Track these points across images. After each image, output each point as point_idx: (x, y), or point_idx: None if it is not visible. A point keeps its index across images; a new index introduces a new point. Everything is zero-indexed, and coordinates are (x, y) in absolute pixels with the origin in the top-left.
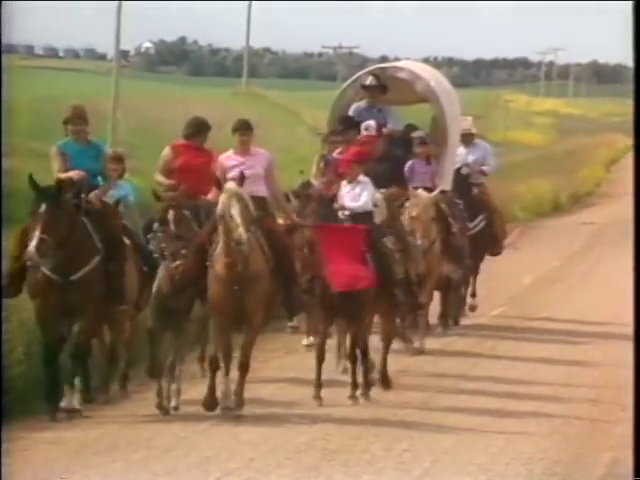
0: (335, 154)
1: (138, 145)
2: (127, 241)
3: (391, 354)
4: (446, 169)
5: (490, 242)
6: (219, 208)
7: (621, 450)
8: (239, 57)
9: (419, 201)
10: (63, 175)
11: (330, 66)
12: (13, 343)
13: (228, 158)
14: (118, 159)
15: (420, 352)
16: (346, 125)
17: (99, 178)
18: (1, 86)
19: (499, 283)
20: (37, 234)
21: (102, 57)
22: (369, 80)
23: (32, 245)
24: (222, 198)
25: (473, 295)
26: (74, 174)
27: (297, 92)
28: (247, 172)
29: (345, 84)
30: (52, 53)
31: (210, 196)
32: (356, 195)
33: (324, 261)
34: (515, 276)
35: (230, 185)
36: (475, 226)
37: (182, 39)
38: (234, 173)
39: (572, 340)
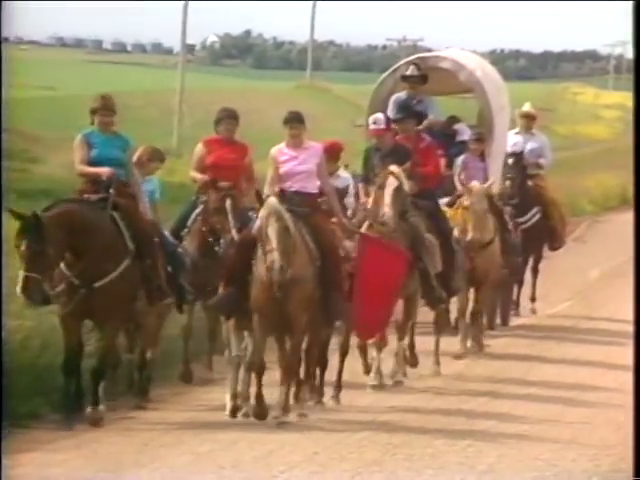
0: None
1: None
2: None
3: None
4: (491, 165)
5: (547, 236)
6: (257, 223)
7: None
8: (303, 50)
9: (472, 192)
10: (89, 170)
11: (394, 59)
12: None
13: (280, 152)
14: (157, 157)
15: (481, 350)
16: (402, 114)
17: (123, 171)
18: (1, 78)
19: (566, 277)
20: (21, 272)
21: (169, 51)
22: (410, 70)
23: (18, 286)
24: (262, 213)
25: (533, 299)
26: (104, 172)
27: (361, 85)
28: (299, 167)
29: (384, 74)
30: (120, 48)
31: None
32: None
33: (356, 283)
34: (582, 270)
35: (271, 201)
36: (528, 220)
37: (247, 32)
38: (288, 168)
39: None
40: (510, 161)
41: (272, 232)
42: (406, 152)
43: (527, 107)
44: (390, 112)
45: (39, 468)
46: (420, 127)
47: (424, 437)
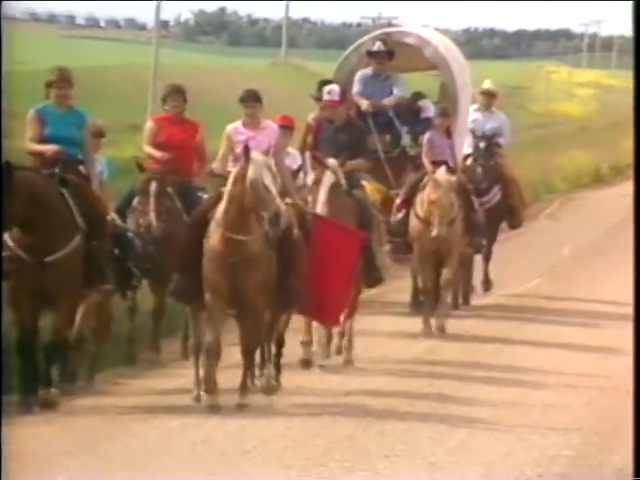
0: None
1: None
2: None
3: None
4: (456, 141)
5: (507, 214)
6: (249, 178)
7: None
8: (278, 27)
9: (437, 184)
10: (36, 148)
11: None
12: None
13: (235, 130)
14: (97, 133)
15: (442, 331)
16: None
17: (77, 149)
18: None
19: (538, 253)
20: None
21: (142, 27)
22: (376, 46)
23: None
24: (252, 169)
25: (486, 274)
26: (49, 149)
27: (335, 62)
28: (256, 147)
29: (348, 50)
30: (94, 23)
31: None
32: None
33: (312, 267)
34: (555, 247)
35: (259, 156)
36: (490, 199)
37: (222, 9)
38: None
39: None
40: (482, 145)
41: (269, 182)
42: (358, 128)
43: (487, 84)
44: (355, 88)
45: (9, 442)
46: (385, 102)
47: (395, 414)
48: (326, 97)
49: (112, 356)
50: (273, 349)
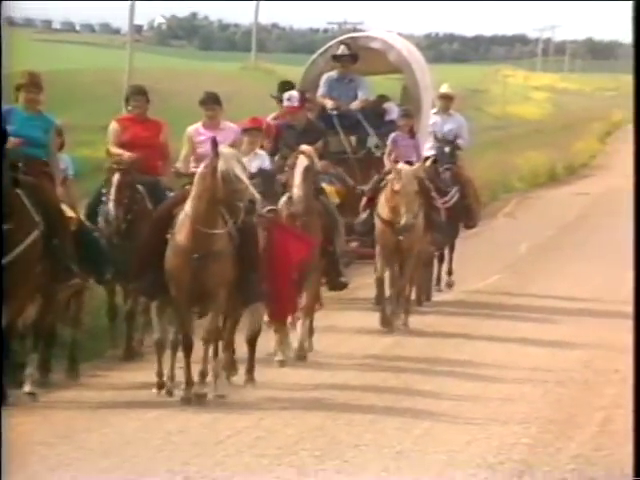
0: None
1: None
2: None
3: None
4: (419, 141)
5: (464, 215)
6: (221, 170)
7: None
8: (248, 32)
9: (401, 175)
10: None
11: None
12: None
13: (196, 132)
14: (57, 132)
15: (404, 327)
16: (285, 90)
17: (42, 151)
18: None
19: (497, 250)
20: None
21: (116, 32)
22: (340, 50)
23: None
24: (222, 161)
25: (449, 273)
26: (11, 142)
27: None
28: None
29: (315, 54)
30: (69, 27)
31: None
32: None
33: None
34: (512, 244)
35: (227, 149)
36: (450, 199)
37: (193, 14)
38: (205, 148)
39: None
40: (447, 149)
41: (239, 172)
42: (319, 130)
43: (445, 88)
44: (320, 90)
45: None
46: (353, 106)
47: (363, 406)
48: (286, 103)
49: (89, 350)
50: (247, 347)
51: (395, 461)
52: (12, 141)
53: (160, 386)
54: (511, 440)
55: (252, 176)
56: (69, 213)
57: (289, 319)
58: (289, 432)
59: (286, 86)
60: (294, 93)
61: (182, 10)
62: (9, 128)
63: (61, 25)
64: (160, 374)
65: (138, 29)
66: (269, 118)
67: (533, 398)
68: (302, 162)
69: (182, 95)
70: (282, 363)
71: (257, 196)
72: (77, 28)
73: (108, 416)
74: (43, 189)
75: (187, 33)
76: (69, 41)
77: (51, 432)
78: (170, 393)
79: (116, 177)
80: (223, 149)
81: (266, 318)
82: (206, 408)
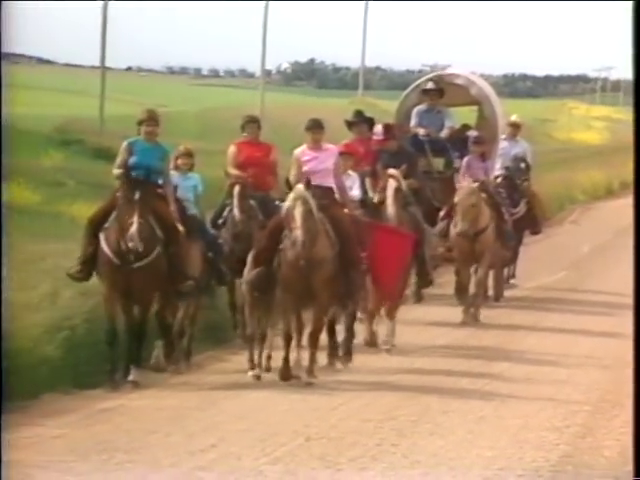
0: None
1: (279, 142)
2: (182, 227)
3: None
4: (489, 163)
5: (530, 223)
6: (286, 205)
7: None
8: (356, 74)
9: (461, 190)
10: (117, 172)
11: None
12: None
13: (303, 153)
14: (188, 154)
15: (476, 321)
16: (357, 117)
17: (159, 177)
18: (1, 101)
19: (564, 251)
20: (136, 219)
21: (251, 75)
22: (429, 85)
23: (134, 228)
24: (290, 197)
25: (513, 276)
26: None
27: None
28: (319, 166)
29: (407, 89)
30: (214, 73)
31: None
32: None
33: (370, 262)
34: (576, 246)
35: (299, 187)
36: (519, 211)
37: (312, 60)
38: (309, 166)
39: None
40: (512, 167)
41: (298, 213)
42: (407, 154)
43: (514, 117)
44: (413, 121)
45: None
46: (442, 134)
47: (448, 381)
48: (375, 137)
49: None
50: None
51: (478, 425)
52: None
53: (253, 369)
54: (574, 408)
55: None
56: (179, 227)
57: (382, 311)
58: (389, 400)
59: (359, 115)
60: (379, 128)
61: (303, 56)
62: (133, 157)
63: (208, 72)
64: (252, 362)
65: (268, 73)
66: (343, 143)
67: (587, 379)
68: (392, 185)
69: (303, 125)
70: (389, 351)
71: (300, 238)
72: (221, 73)
73: (239, 389)
74: (161, 206)
75: (307, 75)
76: (214, 84)
77: (199, 399)
78: (258, 377)
79: (236, 189)
80: (297, 188)
81: (359, 314)
82: (306, 391)
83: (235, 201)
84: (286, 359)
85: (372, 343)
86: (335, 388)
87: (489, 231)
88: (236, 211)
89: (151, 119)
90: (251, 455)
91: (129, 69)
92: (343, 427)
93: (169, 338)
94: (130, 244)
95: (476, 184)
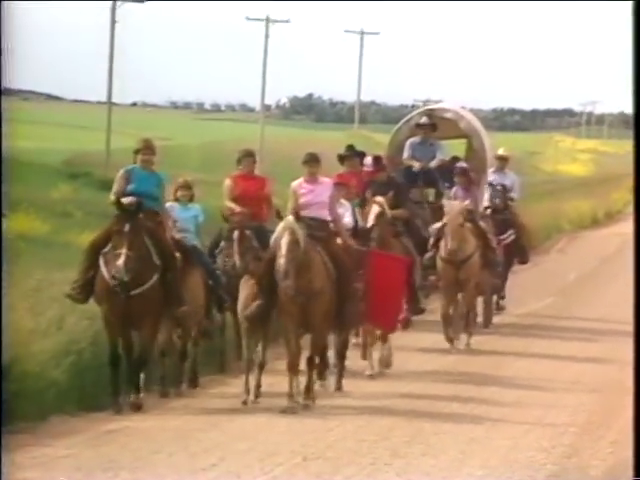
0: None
1: (278, 174)
2: (178, 255)
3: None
4: (477, 192)
5: (518, 252)
6: (274, 235)
7: None
8: (352, 108)
9: (450, 210)
10: (113, 199)
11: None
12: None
13: (299, 186)
14: (187, 186)
15: (468, 348)
16: (349, 151)
17: (155, 203)
18: (1, 130)
19: (550, 278)
20: (124, 251)
21: (251, 110)
22: (423, 119)
23: (121, 261)
24: (279, 227)
25: (502, 297)
26: (127, 200)
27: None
28: (316, 199)
29: (400, 123)
30: (216, 108)
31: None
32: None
33: (367, 287)
34: (563, 273)
35: (289, 218)
36: (506, 239)
37: (309, 95)
38: (306, 199)
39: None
40: (499, 199)
41: (284, 243)
42: (395, 184)
43: (501, 151)
44: (406, 153)
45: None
46: (432, 165)
47: (439, 405)
48: (366, 168)
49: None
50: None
51: (469, 445)
52: (129, 200)
53: (245, 397)
54: (561, 430)
55: None
56: (176, 254)
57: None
58: (383, 423)
59: (350, 149)
60: (369, 160)
61: (301, 92)
62: (130, 185)
63: (210, 106)
64: (247, 388)
65: (267, 107)
66: (336, 174)
67: (574, 402)
68: (374, 210)
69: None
70: (372, 377)
71: (282, 267)
72: (222, 108)
73: (239, 411)
74: (158, 233)
75: (305, 109)
76: (216, 119)
77: (201, 421)
78: (245, 403)
79: (235, 234)
80: (287, 219)
81: (354, 340)
82: (305, 414)
83: (235, 247)
84: (309, 387)
85: (387, 364)
86: (330, 411)
87: (474, 259)
88: (236, 257)
89: (147, 148)
90: (250, 474)
91: (134, 104)
92: (339, 447)
93: (145, 364)
94: (117, 275)
95: (466, 202)
